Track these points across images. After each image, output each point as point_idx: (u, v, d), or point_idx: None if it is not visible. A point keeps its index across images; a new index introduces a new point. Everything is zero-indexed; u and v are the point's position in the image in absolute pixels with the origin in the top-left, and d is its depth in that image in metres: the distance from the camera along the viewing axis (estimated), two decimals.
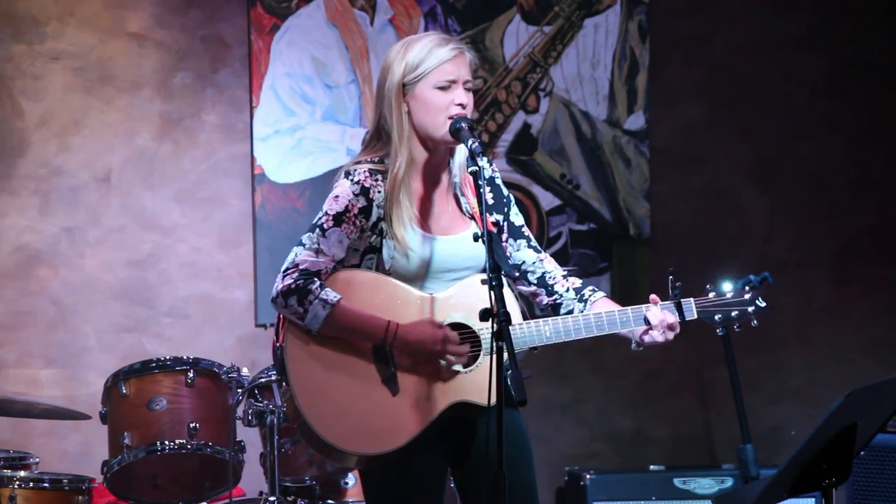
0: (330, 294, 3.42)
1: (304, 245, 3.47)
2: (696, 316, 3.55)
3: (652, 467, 5.85)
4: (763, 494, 3.32)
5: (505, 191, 3.66)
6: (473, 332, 3.48)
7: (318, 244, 3.46)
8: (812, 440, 3.23)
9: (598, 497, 5.66)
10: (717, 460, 6.24)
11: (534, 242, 3.65)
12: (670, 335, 3.50)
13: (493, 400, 3.22)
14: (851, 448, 3.30)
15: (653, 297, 3.53)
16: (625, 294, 6.13)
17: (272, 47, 6.00)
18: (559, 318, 3.50)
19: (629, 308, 3.51)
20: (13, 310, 5.87)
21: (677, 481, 5.71)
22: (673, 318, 3.50)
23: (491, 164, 3.64)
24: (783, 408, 6.31)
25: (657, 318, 3.48)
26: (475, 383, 3.45)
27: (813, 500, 5.58)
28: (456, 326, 3.48)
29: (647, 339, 3.50)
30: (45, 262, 5.89)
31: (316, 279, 3.44)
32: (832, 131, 6.38)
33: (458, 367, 3.46)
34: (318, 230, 3.47)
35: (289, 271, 3.45)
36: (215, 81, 5.99)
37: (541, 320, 3.49)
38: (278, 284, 3.44)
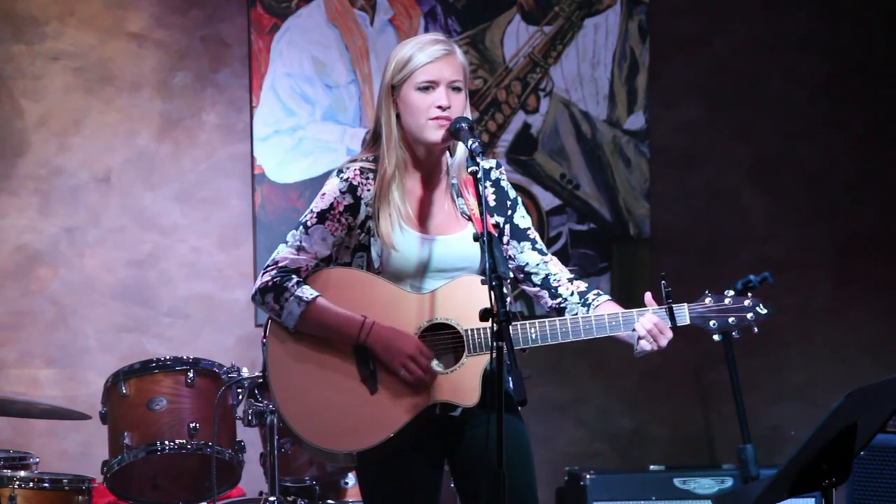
0: (306, 291, 3.43)
1: (287, 242, 3.51)
2: (688, 322, 3.52)
3: (652, 467, 5.85)
4: (763, 494, 3.32)
5: (512, 193, 3.65)
6: (457, 332, 3.47)
7: (301, 241, 3.49)
8: (812, 440, 3.23)
9: (598, 497, 5.65)
10: (717, 460, 6.24)
11: (539, 245, 3.64)
12: (663, 342, 3.47)
13: (482, 401, 3.23)
14: (851, 448, 3.30)
15: (647, 296, 3.52)
16: (625, 294, 6.13)
17: (272, 47, 6.00)
18: (547, 319, 3.49)
19: (620, 312, 3.49)
20: (13, 310, 5.87)
21: (677, 481, 5.71)
22: (663, 323, 3.47)
23: (500, 167, 3.64)
24: (783, 408, 6.31)
25: (644, 329, 3.45)
26: (458, 383, 3.44)
27: (813, 500, 5.58)
28: (440, 326, 3.48)
29: (638, 347, 3.49)
30: (45, 262, 5.89)
31: (294, 276, 3.46)
32: (832, 131, 6.38)
33: (438, 369, 3.45)
34: (301, 227, 3.50)
35: (268, 268, 3.49)
36: (215, 81, 5.99)
37: (528, 322, 3.48)
38: (257, 281, 3.49)
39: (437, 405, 3.44)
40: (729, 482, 5.72)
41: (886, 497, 5.02)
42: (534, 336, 3.47)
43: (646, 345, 3.46)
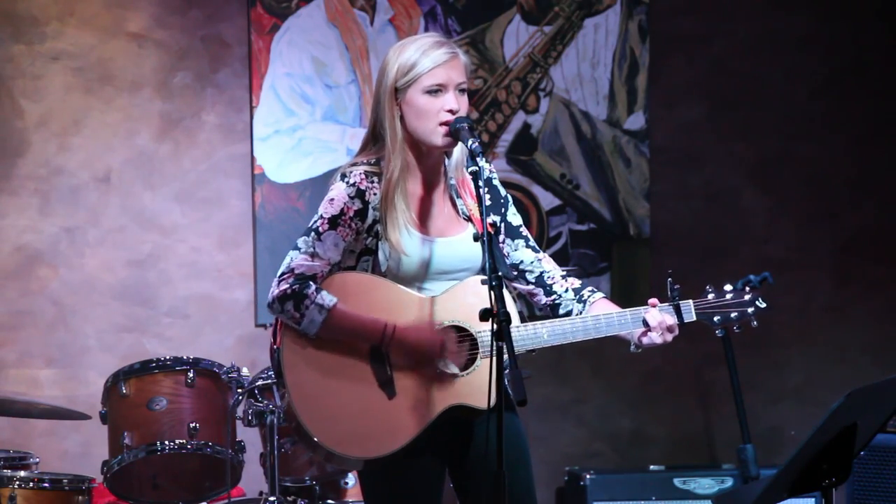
0: (326, 298, 3.41)
1: (299, 249, 3.46)
2: (694, 318, 3.54)
3: (652, 467, 5.85)
4: (763, 494, 3.32)
5: (503, 191, 3.65)
6: (470, 334, 3.47)
7: (314, 248, 3.45)
8: (812, 440, 3.23)
9: (598, 497, 5.65)
10: (717, 460, 6.24)
11: (532, 242, 3.65)
12: (669, 337, 3.49)
13: (493, 401, 3.22)
14: (851, 448, 3.30)
15: (651, 300, 3.53)
16: (625, 294, 6.13)
17: (272, 47, 6.00)
18: (556, 320, 3.50)
19: (628, 310, 3.51)
20: (13, 310, 5.87)
21: (677, 481, 5.71)
22: (672, 319, 3.49)
23: (489, 164, 3.64)
24: (783, 408, 6.31)
25: (656, 319, 3.47)
26: (473, 386, 3.44)
27: (813, 500, 5.58)
28: (453, 329, 3.47)
29: (645, 340, 3.50)
30: (45, 262, 5.89)
31: (311, 283, 3.43)
32: (832, 131, 6.38)
33: (454, 371, 3.45)
34: (313, 233, 3.46)
35: (284, 276, 3.44)
36: (215, 81, 5.99)
37: (538, 322, 3.48)
38: (274, 290, 3.44)
39: (456, 408, 3.44)
40: (729, 482, 5.72)
41: (886, 497, 5.03)
42: (546, 336, 3.47)
43: (656, 337, 3.47)
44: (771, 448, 6.00)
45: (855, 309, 6.38)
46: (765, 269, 5.47)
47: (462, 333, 3.47)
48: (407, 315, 3.45)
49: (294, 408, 3.43)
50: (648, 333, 3.48)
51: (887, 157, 6.40)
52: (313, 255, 3.45)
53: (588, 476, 5.67)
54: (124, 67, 5.94)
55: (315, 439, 3.41)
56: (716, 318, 3.56)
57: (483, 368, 3.43)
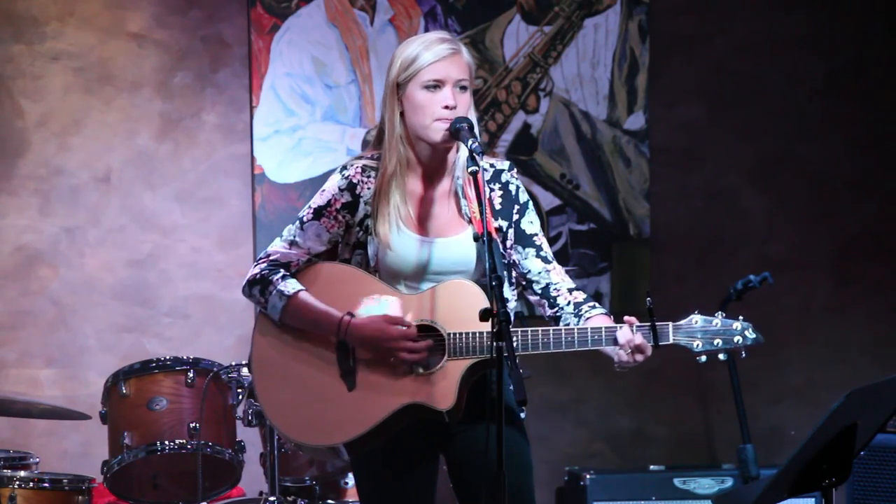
0: (289, 286, 3.45)
1: (282, 236, 3.54)
2: (671, 341, 3.44)
3: (652, 467, 5.85)
4: (763, 494, 3.32)
5: (522, 198, 3.58)
6: (440, 335, 3.43)
7: (295, 236, 3.51)
8: (812, 440, 3.23)
9: (598, 497, 5.65)
10: (717, 460, 6.23)
11: (544, 252, 3.57)
12: (639, 357, 3.39)
13: (479, 411, 3.22)
14: (851, 448, 3.30)
15: (629, 318, 3.43)
16: (624, 294, 6.14)
17: (272, 47, 6.00)
18: (530, 329, 3.43)
19: (603, 326, 3.43)
20: (13, 310, 5.87)
21: (677, 481, 5.71)
22: (640, 339, 3.39)
23: (512, 170, 3.59)
24: (783, 408, 6.31)
25: (625, 338, 3.38)
26: (434, 386, 3.41)
27: (813, 500, 5.58)
28: (423, 328, 3.44)
29: (616, 358, 3.44)
30: (45, 262, 5.89)
31: (281, 270, 3.49)
32: (832, 131, 6.38)
33: (417, 368, 3.43)
34: (298, 222, 3.53)
35: (260, 260, 3.54)
36: (215, 81, 5.99)
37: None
38: (248, 273, 3.53)
39: (412, 406, 3.41)
40: (729, 482, 5.72)
41: (886, 497, 5.03)
42: (515, 346, 3.42)
43: (624, 356, 3.39)
44: (771, 448, 6.00)
45: (855, 309, 6.38)
46: (765, 269, 5.53)
47: (430, 334, 3.44)
48: (379, 310, 3.43)
49: (256, 392, 3.51)
50: (618, 351, 3.41)
51: (887, 158, 6.40)
52: (292, 244, 3.51)
53: (588, 476, 5.67)
54: (124, 67, 5.94)
55: (272, 423, 3.48)
56: (696, 345, 3.45)
57: (448, 369, 3.41)
